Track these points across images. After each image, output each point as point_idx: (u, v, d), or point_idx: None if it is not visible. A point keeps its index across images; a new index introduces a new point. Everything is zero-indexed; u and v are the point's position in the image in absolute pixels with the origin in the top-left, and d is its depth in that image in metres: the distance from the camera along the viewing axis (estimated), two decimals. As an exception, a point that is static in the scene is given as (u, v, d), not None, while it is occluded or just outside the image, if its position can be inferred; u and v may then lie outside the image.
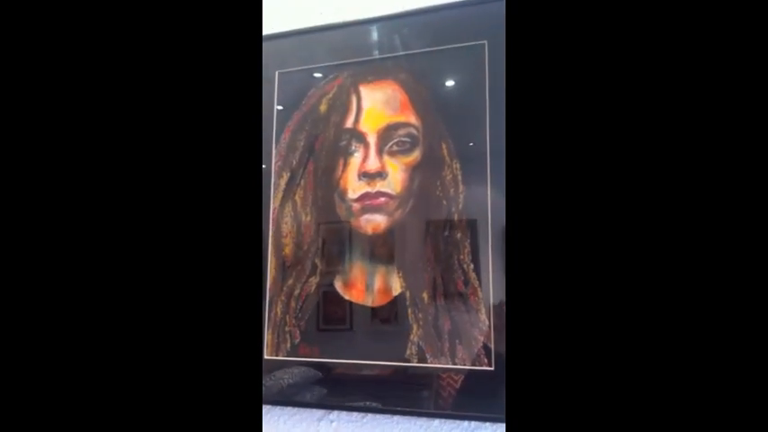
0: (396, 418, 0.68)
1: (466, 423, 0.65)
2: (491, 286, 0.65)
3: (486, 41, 0.70)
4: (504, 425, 0.63)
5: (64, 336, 0.38)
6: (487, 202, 0.66)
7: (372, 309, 0.70)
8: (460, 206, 0.68)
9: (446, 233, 0.68)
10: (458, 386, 0.65)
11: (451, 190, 0.68)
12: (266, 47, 0.79)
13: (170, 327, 0.38)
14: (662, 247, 0.34)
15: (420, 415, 0.66)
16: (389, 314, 0.69)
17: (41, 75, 0.39)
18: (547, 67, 0.37)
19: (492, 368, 0.63)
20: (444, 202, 0.68)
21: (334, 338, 0.72)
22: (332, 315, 0.72)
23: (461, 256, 0.67)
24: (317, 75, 0.79)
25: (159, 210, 0.39)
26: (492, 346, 0.63)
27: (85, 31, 0.40)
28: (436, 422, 0.66)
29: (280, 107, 0.80)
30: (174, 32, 0.40)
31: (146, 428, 0.37)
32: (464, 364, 0.64)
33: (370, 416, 0.69)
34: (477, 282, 0.65)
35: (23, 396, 0.37)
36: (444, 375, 0.65)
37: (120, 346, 0.38)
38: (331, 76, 0.78)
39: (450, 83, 0.73)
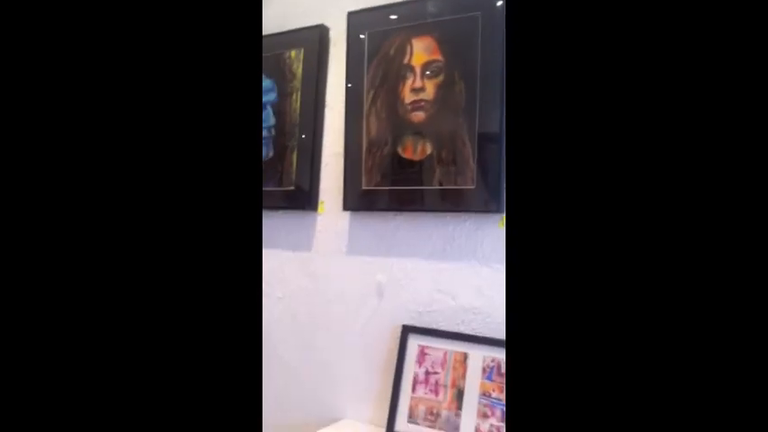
0: (429, 215, 1.35)
1: (463, 216, 1.31)
2: (476, 145, 1.27)
3: (479, 13, 1.28)
4: (478, 215, 1.28)
5: (70, 285, 0.41)
6: (476, 104, 1.27)
7: (415, 161, 1.35)
8: (463, 105, 1.29)
9: (457, 119, 1.30)
10: (457, 197, 1.30)
11: (459, 98, 1.30)
12: (357, 17, 1.42)
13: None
14: (651, 216, 0.39)
15: (440, 211, 1.33)
16: (425, 164, 1.34)
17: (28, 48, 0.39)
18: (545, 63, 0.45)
19: (474, 187, 1.27)
20: (455, 104, 1.30)
21: (396, 178, 1.39)
22: (396, 166, 1.38)
23: (463, 133, 1.29)
24: (391, 25, 1.40)
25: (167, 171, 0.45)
26: (475, 177, 1.27)
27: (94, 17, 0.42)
28: (448, 216, 1.33)
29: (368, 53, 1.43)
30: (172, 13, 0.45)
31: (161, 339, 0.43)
32: (462, 185, 1.29)
33: (417, 215, 1.37)
34: (470, 144, 1.28)
35: (16, 377, 0.39)
36: (451, 192, 1.30)
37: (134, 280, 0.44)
38: (397, 34, 1.39)
39: (459, 37, 1.31)
